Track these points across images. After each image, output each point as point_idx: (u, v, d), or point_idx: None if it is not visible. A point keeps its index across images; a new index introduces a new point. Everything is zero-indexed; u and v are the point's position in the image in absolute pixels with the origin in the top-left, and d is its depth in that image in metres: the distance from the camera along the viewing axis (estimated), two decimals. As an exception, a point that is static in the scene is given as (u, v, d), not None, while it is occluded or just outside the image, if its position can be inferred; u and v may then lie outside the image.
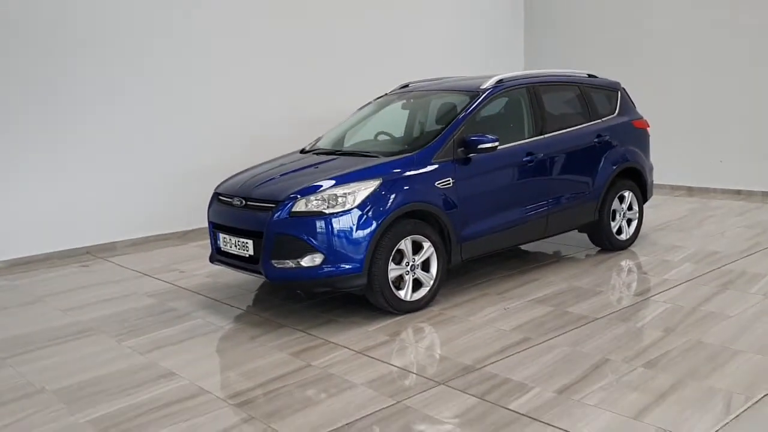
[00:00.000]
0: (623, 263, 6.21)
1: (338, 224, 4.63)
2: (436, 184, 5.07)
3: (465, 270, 6.09)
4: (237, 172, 5.65)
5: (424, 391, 3.69)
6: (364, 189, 4.74)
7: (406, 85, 6.69)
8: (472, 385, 3.74)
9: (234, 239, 5.00)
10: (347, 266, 4.65)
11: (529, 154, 5.70)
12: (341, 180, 4.82)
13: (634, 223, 6.78)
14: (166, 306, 5.42)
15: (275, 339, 4.58)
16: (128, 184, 7.70)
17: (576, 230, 6.60)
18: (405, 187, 4.91)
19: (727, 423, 3.19)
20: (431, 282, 5.07)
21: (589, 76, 6.75)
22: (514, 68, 11.38)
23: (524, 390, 3.64)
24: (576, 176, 6.15)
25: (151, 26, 7.70)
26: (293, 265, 4.67)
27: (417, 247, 5.00)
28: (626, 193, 6.62)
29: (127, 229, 7.83)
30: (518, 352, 4.19)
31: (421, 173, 5.03)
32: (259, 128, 8.50)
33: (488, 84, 5.73)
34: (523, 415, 3.36)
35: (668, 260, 6.23)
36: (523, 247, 6.96)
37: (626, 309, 4.92)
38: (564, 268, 6.08)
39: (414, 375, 3.91)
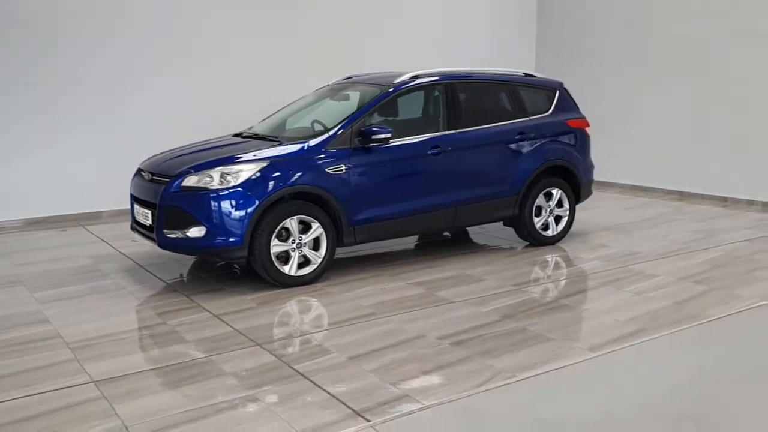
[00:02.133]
0: (535, 258, 6.39)
1: (221, 200, 5.12)
2: (327, 169, 5.47)
3: (379, 252, 6.45)
4: (166, 150, 6.22)
5: (238, 349, 4.13)
6: (248, 169, 5.21)
7: (350, 77, 7.07)
8: (284, 347, 4.15)
9: (141, 210, 5.57)
10: (229, 239, 5.14)
11: (435, 147, 5.99)
12: (231, 160, 5.31)
13: (564, 221, 6.91)
14: (95, 267, 6.07)
15: (156, 301, 5.12)
16: (121, 159, 8.25)
17: (502, 224, 6.85)
18: (291, 171, 5.33)
19: (473, 394, 3.47)
20: (319, 260, 5.48)
21: (526, 75, 6.93)
22: (524, 64, 11.48)
23: (323, 354, 4.03)
24: (492, 171, 6.38)
25: (145, 10, 8.38)
26: (181, 235, 5.20)
27: (309, 227, 5.42)
28: (554, 191, 6.77)
29: (114, 200, 8.55)
30: (352, 324, 4.56)
31: (311, 159, 5.44)
32: (244, 114, 9.00)
33: (401, 79, 6.07)
34: (299, 373, 3.74)
35: (581, 257, 6.37)
36: (471, 234, 7.24)
37: (489, 296, 5.16)
38: (474, 258, 6.33)
39: (242, 336, 4.35)
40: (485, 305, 4.93)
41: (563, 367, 3.83)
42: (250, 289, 5.38)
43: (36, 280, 5.65)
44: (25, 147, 7.92)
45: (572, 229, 7.30)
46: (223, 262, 6.04)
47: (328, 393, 3.50)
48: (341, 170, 5.52)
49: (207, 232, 5.13)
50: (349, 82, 6.77)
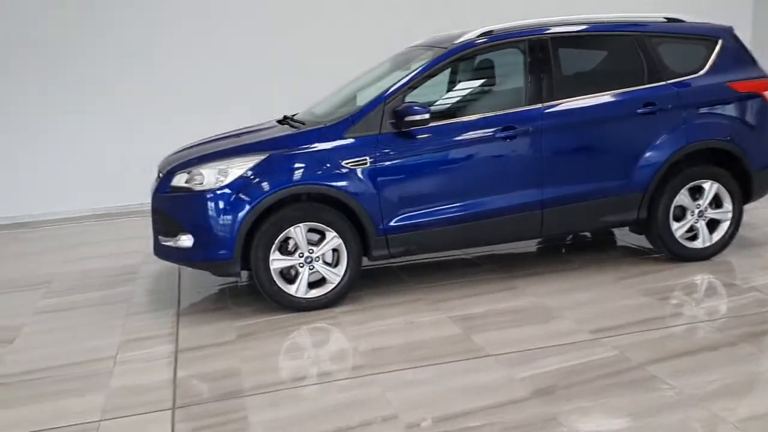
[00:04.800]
0: (662, 282, 4.50)
1: (206, 204, 4.14)
2: (344, 162, 4.21)
3: (444, 266, 5.05)
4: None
5: (146, 413, 3.13)
6: (239, 166, 4.16)
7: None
8: (199, 418, 3.06)
9: (153, 213, 4.81)
10: (217, 252, 4.17)
11: (507, 128, 4.41)
12: (222, 154, 4.29)
13: (724, 226, 4.85)
14: (133, 269, 5.42)
15: (140, 322, 4.31)
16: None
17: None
18: (294, 165, 4.18)
19: None
20: (337, 279, 4.28)
21: (669, 20, 4.93)
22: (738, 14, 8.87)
23: (231, 438, 2.88)
24: (601, 159, 4.63)
25: (162, 21, 7.59)
26: (172, 245, 4.34)
27: (324, 236, 4.25)
28: (706, 185, 4.76)
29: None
30: (321, 383, 3.36)
31: (323, 149, 4.23)
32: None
33: (463, 39, 4.55)
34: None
35: (735, 285, 4.39)
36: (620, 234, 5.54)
37: (545, 348, 3.56)
38: (575, 277, 4.67)
39: (168, 390, 3.34)
40: (526, 366, 3.37)
41: None
42: (254, 311, 4.36)
43: (60, 283, 5.19)
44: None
45: (746, 236, 5.23)
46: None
47: None
48: (365, 163, 4.23)
49: (194, 242, 4.20)
50: (423, 46, 5.32)
